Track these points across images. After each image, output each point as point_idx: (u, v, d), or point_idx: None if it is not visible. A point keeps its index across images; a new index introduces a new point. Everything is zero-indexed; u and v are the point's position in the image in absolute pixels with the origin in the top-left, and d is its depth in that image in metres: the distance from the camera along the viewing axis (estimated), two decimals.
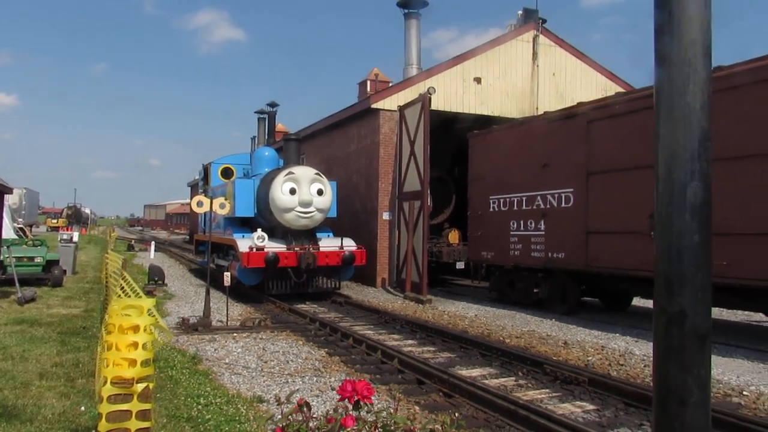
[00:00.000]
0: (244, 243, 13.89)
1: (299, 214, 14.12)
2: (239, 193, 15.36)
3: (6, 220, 15.95)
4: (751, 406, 6.31)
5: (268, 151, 17.18)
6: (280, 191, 14.01)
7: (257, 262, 13.34)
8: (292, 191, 14.04)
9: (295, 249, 14.00)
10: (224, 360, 8.08)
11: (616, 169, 10.99)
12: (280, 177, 14.15)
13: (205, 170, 19.65)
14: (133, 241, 41.32)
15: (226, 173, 18.23)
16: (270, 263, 13.40)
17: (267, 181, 14.69)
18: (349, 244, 14.90)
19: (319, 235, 15.06)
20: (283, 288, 14.12)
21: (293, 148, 15.70)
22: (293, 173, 14.22)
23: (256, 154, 17.54)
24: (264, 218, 14.95)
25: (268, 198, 14.24)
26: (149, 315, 2.70)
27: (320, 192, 14.41)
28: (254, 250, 13.49)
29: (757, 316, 12.04)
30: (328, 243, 14.81)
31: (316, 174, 14.62)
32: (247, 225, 15.67)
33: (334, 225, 16.29)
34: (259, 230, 14.00)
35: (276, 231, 14.58)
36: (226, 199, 11.74)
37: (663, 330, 1.45)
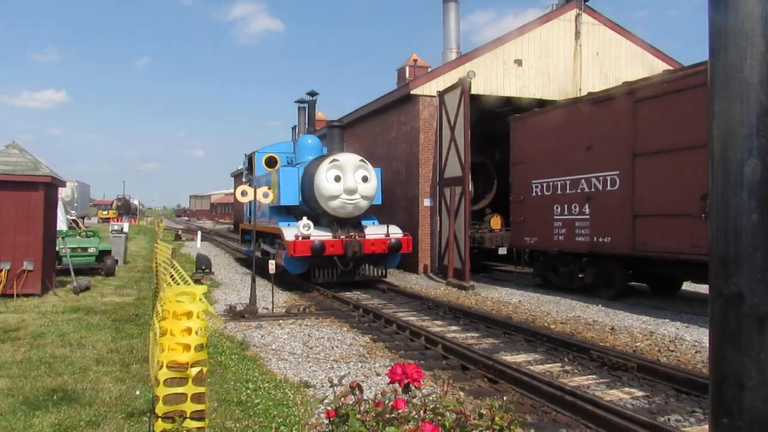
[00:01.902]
0: (289, 231, 13.88)
1: (345, 201, 13.99)
2: (284, 181, 15.33)
3: (60, 213, 16.57)
4: None
5: (312, 138, 17.01)
6: (325, 179, 13.90)
7: (303, 251, 13.31)
8: (337, 178, 13.92)
9: (341, 237, 13.92)
10: (271, 346, 8.24)
11: (664, 150, 10.67)
12: (325, 164, 14.04)
13: (249, 160, 19.62)
14: (180, 231, 42.42)
15: (270, 162, 18.19)
16: (316, 252, 13.36)
17: (311, 168, 14.59)
18: (396, 232, 14.71)
19: (364, 222, 14.93)
20: (330, 276, 14.02)
21: (337, 135, 15.49)
22: (338, 160, 14.10)
23: (299, 142, 17.36)
24: (309, 206, 14.90)
25: (312, 186, 14.15)
26: (201, 302, 2.79)
27: (365, 179, 14.24)
28: (300, 238, 13.46)
29: None
30: (374, 230, 14.67)
31: (361, 161, 14.46)
32: (292, 213, 15.68)
33: (376, 212, 16.29)
34: (305, 218, 13.91)
35: (321, 219, 14.55)
36: (269, 188, 11.91)
37: (719, 313, 1.41)
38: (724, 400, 1.40)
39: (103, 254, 16.25)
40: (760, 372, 1.37)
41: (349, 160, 14.28)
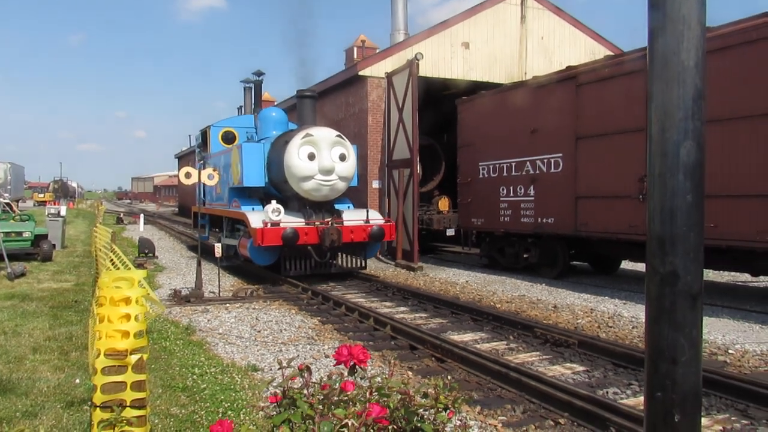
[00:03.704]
0: (256, 217, 12.09)
1: (320, 182, 12.32)
2: (247, 159, 13.40)
3: None
4: (736, 364, 6.45)
5: (276, 111, 15.27)
6: (297, 156, 12.12)
7: (273, 240, 11.61)
8: (311, 156, 12.17)
9: (316, 224, 12.27)
10: (218, 330, 8.12)
11: (604, 134, 10.98)
12: (297, 140, 12.20)
13: (203, 135, 17.49)
14: (121, 214, 41.12)
15: (228, 137, 16.17)
16: (288, 241, 11.66)
17: (280, 144, 12.80)
18: (376, 218, 13.14)
19: (338, 206, 13.24)
20: (303, 269, 12.32)
21: (309, 106, 13.43)
22: (312, 135, 12.24)
23: (262, 115, 15.33)
24: (277, 188, 13.29)
25: (282, 164, 12.40)
26: (140, 287, 2.70)
27: (343, 157, 12.52)
28: (269, 225, 11.75)
29: (743, 277, 12.24)
30: (352, 216, 12.94)
31: (338, 136, 12.61)
32: (255, 195, 14.09)
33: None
34: (274, 202, 12.20)
35: (291, 202, 12.92)
36: (214, 170, 11.59)
37: (655, 290, 1.46)
38: (659, 375, 1.45)
39: (40, 239, 15.56)
40: (692, 347, 1.43)
41: (324, 135, 12.45)
